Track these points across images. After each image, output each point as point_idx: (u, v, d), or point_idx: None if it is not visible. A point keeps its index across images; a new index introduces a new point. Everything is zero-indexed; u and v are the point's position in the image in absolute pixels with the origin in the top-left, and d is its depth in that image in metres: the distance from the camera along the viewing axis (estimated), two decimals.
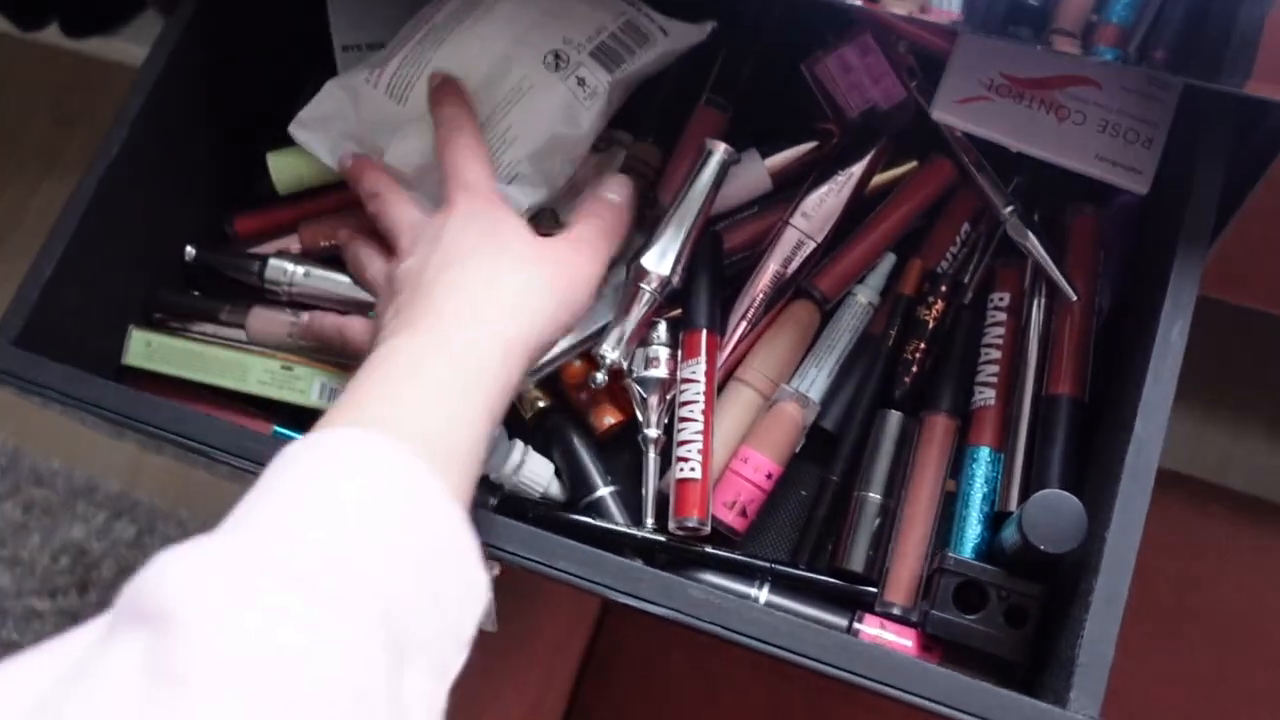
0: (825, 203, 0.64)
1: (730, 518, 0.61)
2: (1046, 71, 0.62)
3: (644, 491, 0.62)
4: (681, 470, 0.60)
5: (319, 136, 0.65)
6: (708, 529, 0.60)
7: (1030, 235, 0.61)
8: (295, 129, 0.65)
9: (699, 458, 0.60)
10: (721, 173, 0.62)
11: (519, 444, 0.63)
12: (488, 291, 0.51)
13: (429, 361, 0.47)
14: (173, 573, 0.34)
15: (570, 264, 0.55)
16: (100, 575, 1.30)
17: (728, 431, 0.63)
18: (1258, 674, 0.78)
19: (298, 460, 0.40)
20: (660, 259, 0.60)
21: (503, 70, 0.62)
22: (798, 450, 0.63)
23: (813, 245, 0.64)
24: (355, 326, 0.61)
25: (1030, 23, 0.54)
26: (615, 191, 0.60)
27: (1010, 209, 0.62)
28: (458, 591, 0.41)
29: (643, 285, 0.60)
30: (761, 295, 0.64)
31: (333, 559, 0.36)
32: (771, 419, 0.62)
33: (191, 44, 0.64)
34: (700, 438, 0.61)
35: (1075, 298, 0.60)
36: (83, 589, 1.29)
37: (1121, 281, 0.63)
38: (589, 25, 0.63)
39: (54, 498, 1.34)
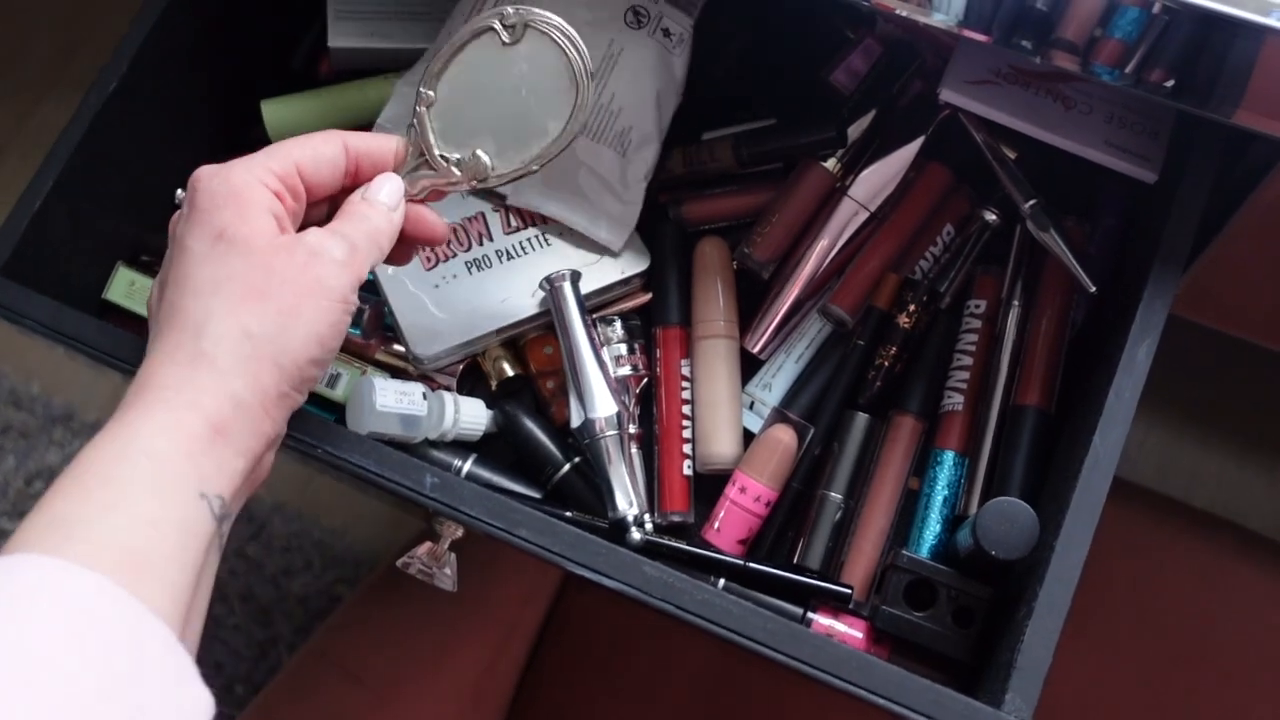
0: (879, 174, 0.65)
1: (737, 550, 0.62)
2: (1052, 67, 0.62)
3: (635, 486, 0.62)
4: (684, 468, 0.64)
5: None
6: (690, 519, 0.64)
7: (1051, 229, 0.61)
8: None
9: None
10: (577, 293, 0.63)
11: (447, 396, 0.63)
12: (241, 339, 0.45)
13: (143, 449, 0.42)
14: None
15: (315, 283, 0.47)
16: None
17: (728, 384, 0.65)
18: (1201, 687, 0.80)
19: None
20: (599, 402, 0.60)
21: (587, 39, 0.62)
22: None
23: (866, 214, 0.65)
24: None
25: (1033, 30, 0.54)
26: (386, 194, 0.51)
27: (1033, 202, 0.61)
28: (168, 715, 0.38)
29: (604, 434, 0.60)
30: (815, 264, 0.65)
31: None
32: (766, 445, 0.62)
33: None
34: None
35: (1093, 289, 0.60)
36: None
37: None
38: None
39: (32, 422, 1.34)
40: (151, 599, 0.39)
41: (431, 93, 0.52)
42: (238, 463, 0.44)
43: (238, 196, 0.47)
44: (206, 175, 0.48)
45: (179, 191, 0.69)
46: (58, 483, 0.41)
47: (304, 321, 0.46)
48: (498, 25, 0.52)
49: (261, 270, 0.46)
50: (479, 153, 0.53)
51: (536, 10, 0.52)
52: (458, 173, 0.53)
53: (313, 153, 0.50)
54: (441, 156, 0.53)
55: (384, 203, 0.51)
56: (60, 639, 0.36)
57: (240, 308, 0.45)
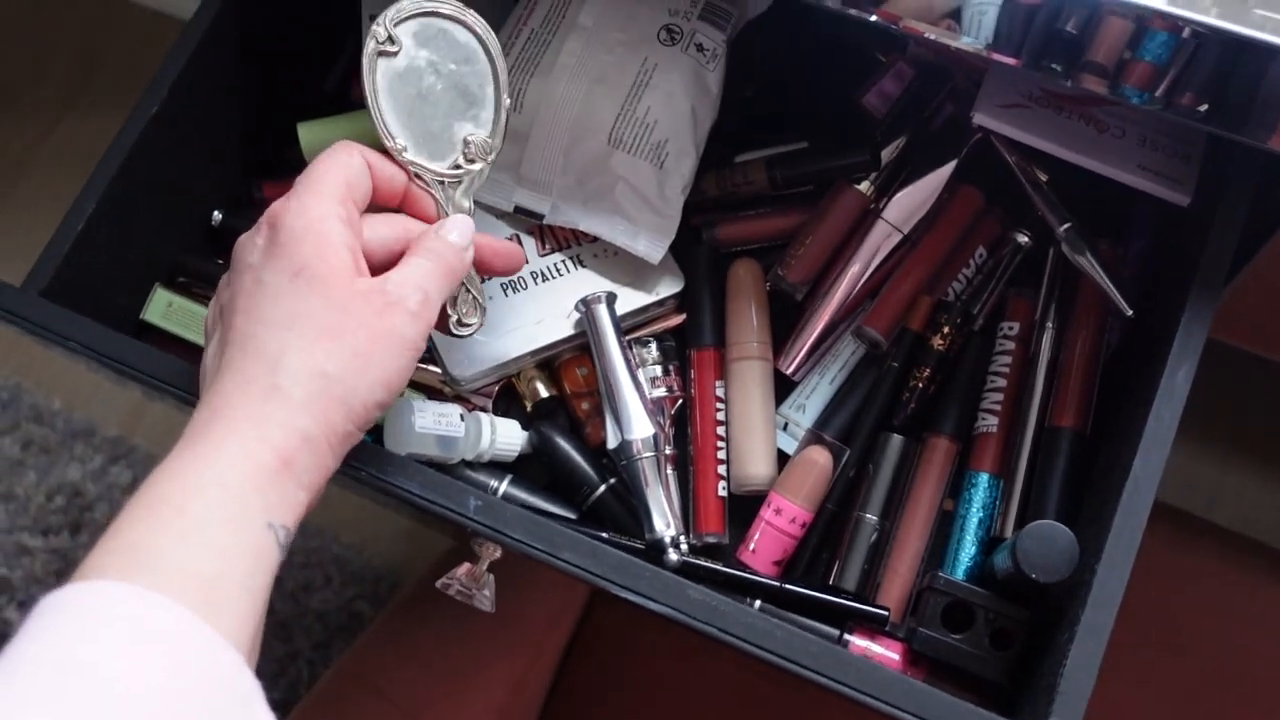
0: (913, 197, 0.65)
1: (772, 571, 0.62)
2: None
3: (671, 507, 0.62)
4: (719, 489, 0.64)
5: None
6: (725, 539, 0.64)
7: (1087, 252, 0.61)
8: None
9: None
10: (613, 315, 0.63)
11: (484, 417, 0.63)
12: (320, 381, 0.45)
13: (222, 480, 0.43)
14: None
15: (392, 333, 0.48)
16: (93, 517, 1.31)
17: (762, 405, 0.65)
18: (1233, 711, 0.80)
19: (62, 624, 0.37)
20: (636, 424, 0.61)
21: (621, 58, 0.63)
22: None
23: (899, 237, 0.65)
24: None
25: (1063, 54, 0.54)
26: (459, 234, 0.53)
27: (1068, 225, 0.62)
28: None
29: (641, 456, 0.60)
30: (849, 286, 0.65)
31: None
32: (801, 466, 0.63)
33: (233, 12, 0.65)
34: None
35: (1130, 312, 0.60)
36: (75, 530, 1.30)
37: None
38: None
39: (52, 437, 1.35)
40: (222, 626, 0.39)
41: (394, 142, 0.54)
42: (301, 495, 0.45)
43: (316, 233, 0.47)
44: (283, 211, 0.48)
45: (215, 214, 0.69)
46: (130, 509, 0.42)
47: (375, 366, 0.47)
48: (380, 46, 0.53)
49: (338, 312, 0.46)
50: (466, 137, 0.54)
51: (388, 11, 0.54)
52: (474, 165, 0.55)
53: (355, 173, 0.51)
54: (451, 169, 0.55)
55: (457, 243, 0.52)
56: (137, 663, 0.37)
57: (315, 346, 0.46)
